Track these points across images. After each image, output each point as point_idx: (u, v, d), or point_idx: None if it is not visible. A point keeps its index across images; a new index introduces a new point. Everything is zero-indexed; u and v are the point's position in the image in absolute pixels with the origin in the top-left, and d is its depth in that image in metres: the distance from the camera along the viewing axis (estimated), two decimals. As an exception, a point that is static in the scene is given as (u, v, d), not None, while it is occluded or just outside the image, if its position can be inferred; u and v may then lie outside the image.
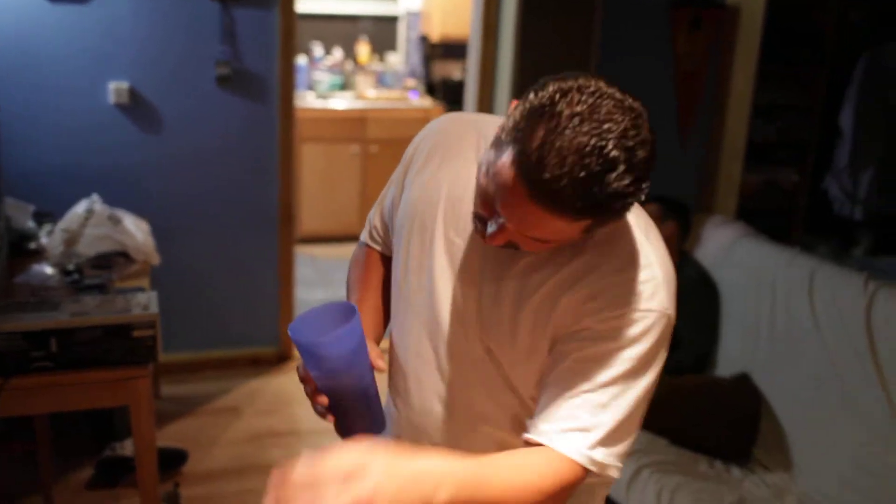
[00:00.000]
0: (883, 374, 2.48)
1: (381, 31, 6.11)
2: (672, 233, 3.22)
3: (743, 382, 2.88)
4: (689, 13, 4.00)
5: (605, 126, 0.95)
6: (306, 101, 5.47)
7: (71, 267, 2.55)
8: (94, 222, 2.81)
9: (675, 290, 1.17)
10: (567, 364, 1.13)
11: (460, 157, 1.27)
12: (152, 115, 3.52)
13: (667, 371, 3.18)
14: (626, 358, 1.11)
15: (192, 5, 3.45)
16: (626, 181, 0.96)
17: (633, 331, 1.11)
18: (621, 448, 1.14)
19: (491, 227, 1.07)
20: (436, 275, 1.24)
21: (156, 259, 2.99)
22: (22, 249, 2.82)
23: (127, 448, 2.98)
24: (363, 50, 5.97)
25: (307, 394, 1.20)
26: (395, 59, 6.12)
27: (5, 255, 2.61)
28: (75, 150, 3.44)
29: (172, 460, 3.07)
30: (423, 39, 6.22)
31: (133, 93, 3.45)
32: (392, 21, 6.23)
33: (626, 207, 1.02)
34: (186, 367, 3.80)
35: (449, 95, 6.01)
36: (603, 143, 0.94)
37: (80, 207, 2.89)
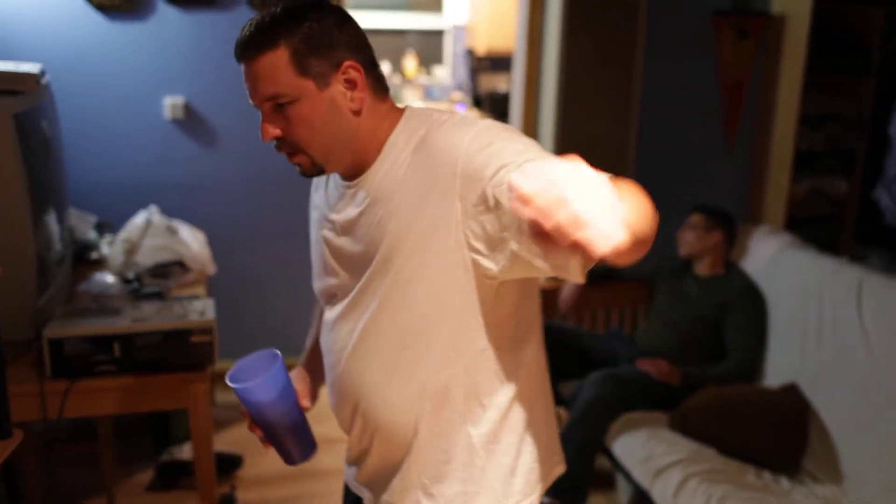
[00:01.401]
0: (933, 384, 2.46)
1: (428, 44, 6.18)
2: (718, 242, 3.22)
3: (791, 392, 2.87)
4: (735, 22, 4.00)
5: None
6: (355, 114, 5.55)
7: (130, 275, 2.64)
8: (153, 233, 2.90)
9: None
10: (491, 191, 1.20)
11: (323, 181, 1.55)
12: (207, 130, 3.62)
13: (715, 381, 3.16)
14: (502, 148, 1.23)
15: (243, 21, 3.53)
16: (281, 17, 1.36)
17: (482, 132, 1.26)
18: None
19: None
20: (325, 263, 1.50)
21: (212, 269, 3.07)
22: (84, 259, 2.93)
23: (185, 452, 3.07)
24: (410, 63, 6.04)
25: (248, 426, 1.47)
26: (442, 73, 6.18)
27: (70, 264, 2.72)
28: (134, 164, 3.56)
29: (228, 465, 3.15)
30: (469, 53, 6.28)
31: (188, 108, 3.56)
32: (438, 35, 6.31)
33: (295, 24, 1.36)
34: (239, 375, 3.87)
35: (495, 108, 6.05)
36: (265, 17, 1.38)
37: (139, 218, 2.99)
